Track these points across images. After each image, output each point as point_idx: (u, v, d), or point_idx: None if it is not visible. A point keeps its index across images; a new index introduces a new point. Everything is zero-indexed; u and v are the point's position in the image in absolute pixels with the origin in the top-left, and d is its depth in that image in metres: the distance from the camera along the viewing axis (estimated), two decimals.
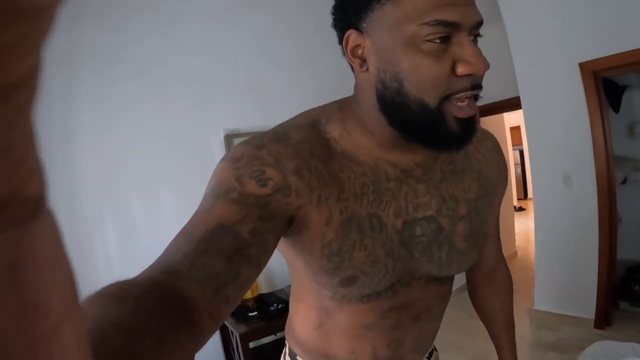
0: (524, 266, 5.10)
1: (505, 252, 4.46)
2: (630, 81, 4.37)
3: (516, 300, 3.75)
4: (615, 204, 3.41)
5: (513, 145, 8.30)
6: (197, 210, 0.59)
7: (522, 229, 6.72)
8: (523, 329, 3.53)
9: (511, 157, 7.93)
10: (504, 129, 6.03)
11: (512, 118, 6.93)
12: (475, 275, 1.07)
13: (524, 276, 4.64)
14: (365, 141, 0.71)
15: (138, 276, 0.46)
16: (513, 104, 4.01)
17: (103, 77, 2.45)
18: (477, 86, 0.63)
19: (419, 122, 0.63)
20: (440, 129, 0.63)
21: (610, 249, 3.37)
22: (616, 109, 4.41)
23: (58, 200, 2.29)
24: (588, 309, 3.44)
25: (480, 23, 0.62)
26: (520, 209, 8.77)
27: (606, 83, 4.11)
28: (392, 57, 0.61)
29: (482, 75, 0.63)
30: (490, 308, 1.08)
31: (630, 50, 3.04)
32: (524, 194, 9.55)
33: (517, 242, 5.96)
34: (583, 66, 3.27)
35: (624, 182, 4.42)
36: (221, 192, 0.59)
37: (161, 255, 0.52)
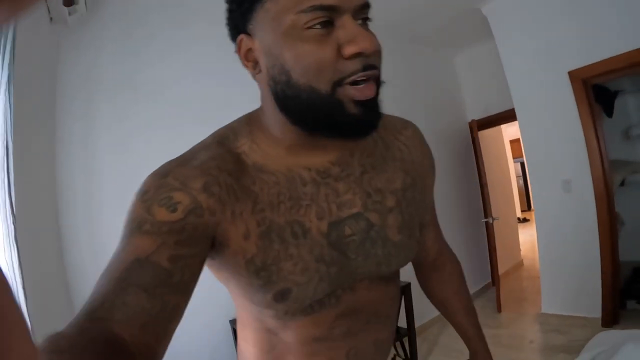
0: (530, 275, 5.15)
1: (511, 262, 4.60)
2: (623, 86, 4.49)
3: (525, 307, 3.85)
4: (613, 206, 3.50)
5: (514, 157, 8.39)
6: (114, 251, 0.58)
7: (528, 239, 6.78)
8: (532, 334, 3.58)
9: (512, 169, 8.01)
10: (503, 141, 6.14)
11: (512, 131, 7.05)
12: (421, 266, 1.05)
13: (531, 284, 4.71)
14: (275, 150, 0.69)
15: (67, 327, 0.47)
16: (509, 115, 4.15)
17: (121, 99, 2.55)
18: (371, 67, 0.61)
19: (315, 111, 0.62)
20: (339, 115, 0.61)
21: (612, 250, 3.44)
22: (609, 114, 4.54)
23: (78, 220, 2.41)
24: (595, 309, 3.49)
25: (364, 5, 0.62)
26: (525, 220, 8.85)
27: (598, 89, 4.26)
28: (276, 51, 0.61)
29: (374, 56, 0.61)
30: (443, 296, 1.05)
31: (615, 56, 3.19)
32: (527, 206, 9.61)
33: (522, 252, 6.03)
34: (572, 74, 3.42)
35: (622, 184, 4.51)
36: (134, 227, 0.58)
37: (87, 300, 0.51)
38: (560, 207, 3.68)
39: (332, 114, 0.61)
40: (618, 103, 4.59)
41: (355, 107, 0.60)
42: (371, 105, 0.62)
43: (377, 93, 0.63)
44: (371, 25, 0.66)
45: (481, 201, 4.55)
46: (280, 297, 0.66)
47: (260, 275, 0.65)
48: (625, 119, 4.62)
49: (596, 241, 3.46)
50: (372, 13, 0.67)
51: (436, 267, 1.03)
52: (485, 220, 4.29)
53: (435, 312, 4.07)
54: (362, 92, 0.60)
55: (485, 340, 1.05)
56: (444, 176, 4.56)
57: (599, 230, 3.44)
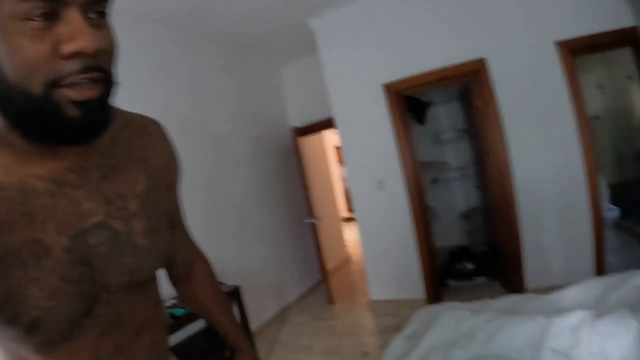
0: (359, 269, 5.53)
1: (339, 259, 4.99)
2: (435, 98, 5.25)
3: (355, 298, 4.16)
4: (425, 201, 4.04)
5: (340, 162, 9.04)
6: None
7: (355, 237, 7.35)
8: (366, 320, 3.92)
9: (337, 173, 8.64)
10: (324, 147, 6.48)
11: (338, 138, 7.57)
12: (173, 269, 0.98)
13: (360, 277, 5.09)
14: (3, 159, 0.59)
15: None
16: (329, 123, 4.52)
17: None
18: (93, 68, 0.54)
19: (28, 115, 0.54)
20: (55, 119, 0.55)
21: (427, 239, 3.96)
22: (422, 122, 5.24)
23: None
24: (419, 291, 3.99)
25: None
26: (351, 219, 9.58)
27: (412, 100, 4.88)
28: None
29: (101, 56, 0.56)
30: (198, 297, 1.03)
31: (425, 73, 3.74)
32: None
33: (350, 249, 6.55)
34: (387, 87, 3.88)
35: (435, 182, 5.25)
36: None
37: None
38: (376, 205, 4.11)
39: (47, 118, 0.54)
40: (430, 112, 5.34)
41: (74, 109, 0.54)
42: (95, 106, 0.56)
43: (106, 93, 0.58)
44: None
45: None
46: (32, 328, 0.58)
47: (5, 308, 0.56)
48: (436, 126, 5.42)
49: (412, 232, 3.95)
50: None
51: (188, 268, 1.01)
52: (309, 220, 4.54)
53: (272, 311, 4.17)
54: (80, 93, 0.54)
55: (244, 334, 1.07)
56: (272, 181, 4.73)
57: (414, 222, 3.93)
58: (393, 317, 3.72)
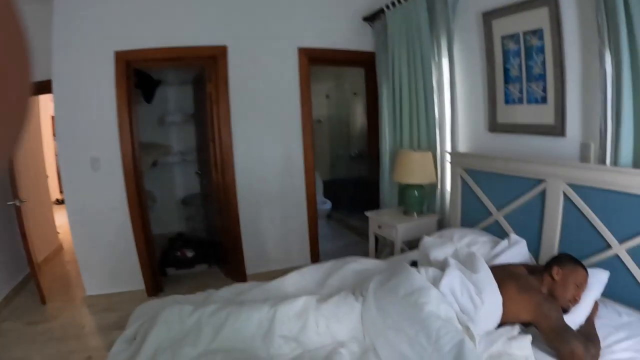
0: (72, 259, 4.91)
1: (50, 247, 4.27)
2: (166, 77, 5.01)
3: (71, 293, 3.67)
4: (142, 185, 3.80)
5: (55, 135, 7.78)
6: None
7: (67, 221, 6.48)
8: (83, 318, 3.48)
9: (52, 147, 7.38)
10: (38, 116, 5.54)
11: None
12: None
13: (74, 268, 4.51)
14: None
15: None
16: (45, 87, 3.72)
17: None
18: None
19: None
20: None
21: (144, 225, 3.75)
22: (149, 100, 4.92)
23: None
24: (138, 282, 3.75)
25: None
26: (64, 201, 8.44)
27: (142, 76, 4.51)
28: None
29: None
30: None
31: (163, 48, 3.49)
32: None
33: (61, 235, 5.70)
34: (118, 55, 3.46)
35: (155, 164, 4.98)
36: None
37: None
38: (89, 186, 3.68)
39: None
40: (159, 91, 5.04)
41: None
42: None
43: None
44: None
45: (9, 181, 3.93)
46: None
47: None
48: (163, 106, 5.16)
49: (129, 217, 3.69)
50: None
51: None
52: (12, 202, 3.72)
53: None
54: None
55: None
56: None
57: (129, 207, 3.67)
58: (114, 313, 3.43)
